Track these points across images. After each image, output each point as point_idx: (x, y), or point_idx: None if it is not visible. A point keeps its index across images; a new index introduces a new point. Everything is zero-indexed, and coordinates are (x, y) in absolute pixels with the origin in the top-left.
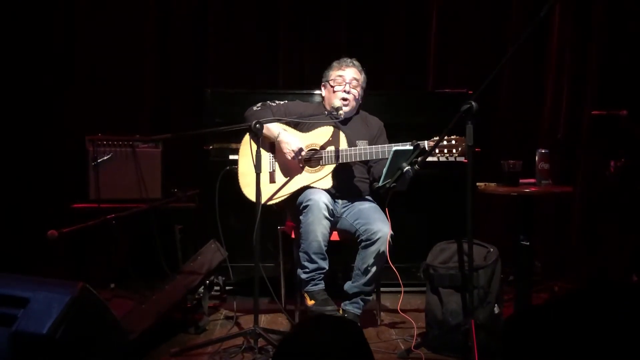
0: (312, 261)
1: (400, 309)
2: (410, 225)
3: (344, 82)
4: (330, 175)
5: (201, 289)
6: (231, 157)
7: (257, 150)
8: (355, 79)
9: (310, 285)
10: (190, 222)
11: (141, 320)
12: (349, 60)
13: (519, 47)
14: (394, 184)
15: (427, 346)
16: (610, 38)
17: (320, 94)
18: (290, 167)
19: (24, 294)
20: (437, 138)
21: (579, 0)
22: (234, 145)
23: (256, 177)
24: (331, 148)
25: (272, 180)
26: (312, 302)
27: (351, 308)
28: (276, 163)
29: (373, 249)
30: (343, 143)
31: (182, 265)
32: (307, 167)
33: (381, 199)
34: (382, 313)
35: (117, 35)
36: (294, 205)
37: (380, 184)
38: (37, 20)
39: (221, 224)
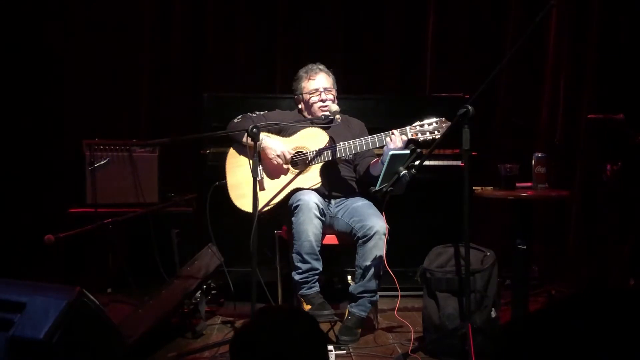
0: (304, 261)
1: (397, 313)
2: (407, 229)
3: (318, 91)
4: (319, 174)
5: (198, 294)
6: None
7: (254, 154)
8: (327, 84)
9: (304, 288)
10: (188, 226)
11: (138, 325)
12: (314, 66)
13: (516, 52)
14: (391, 188)
15: (424, 350)
16: (607, 42)
17: (297, 105)
18: (278, 172)
19: (20, 299)
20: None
21: (575, 4)
22: (230, 149)
23: (253, 181)
24: (316, 148)
25: (261, 188)
26: (309, 307)
27: (357, 311)
28: (263, 171)
29: (371, 244)
30: (326, 142)
31: (179, 269)
32: (293, 170)
33: (378, 203)
34: (379, 317)
35: (114, 39)
36: (285, 208)
37: (377, 188)
38: (32, 22)
39: (218, 229)
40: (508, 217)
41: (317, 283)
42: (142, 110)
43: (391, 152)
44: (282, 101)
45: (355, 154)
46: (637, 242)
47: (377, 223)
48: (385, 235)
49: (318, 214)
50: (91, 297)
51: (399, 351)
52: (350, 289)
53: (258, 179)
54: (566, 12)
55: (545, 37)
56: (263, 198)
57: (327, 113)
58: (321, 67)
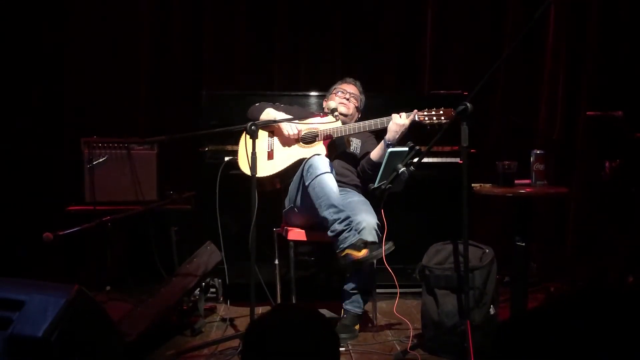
0: (339, 210)
1: (396, 310)
2: (406, 227)
3: (345, 92)
4: (325, 148)
5: (197, 291)
6: (227, 158)
7: (252, 153)
8: (354, 92)
9: (350, 236)
10: (186, 224)
11: (137, 323)
12: (351, 79)
13: (514, 48)
14: (390, 185)
15: (423, 347)
16: (606, 39)
17: (324, 104)
18: (288, 145)
19: (19, 297)
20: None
21: (574, 1)
22: (229, 147)
23: (251, 179)
24: (326, 127)
25: (269, 157)
26: (365, 251)
27: (351, 308)
28: (274, 143)
29: None
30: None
31: (178, 267)
32: (302, 144)
33: (377, 200)
34: (377, 314)
35: (113, 37)
36: (291, 179)
37: (376, 185)
38: (32, 21)
39: (216, 226)
40: (507, 214)
41: (354, 231)
42: (141, 108)
43: (389, 150)
44: (281, 99)
45: (362, 145)
46: (635, 239)
47: (366, 219)
48: (375, 230)
49: (328, 169)
50: (90, 295)
51: (398, 348)
52: (345, 286)
53: (268, 150)
54: (565, 8)
55: (544, 34)
56: (271, 164)
57: (327, 109)
58: (357, 83)
